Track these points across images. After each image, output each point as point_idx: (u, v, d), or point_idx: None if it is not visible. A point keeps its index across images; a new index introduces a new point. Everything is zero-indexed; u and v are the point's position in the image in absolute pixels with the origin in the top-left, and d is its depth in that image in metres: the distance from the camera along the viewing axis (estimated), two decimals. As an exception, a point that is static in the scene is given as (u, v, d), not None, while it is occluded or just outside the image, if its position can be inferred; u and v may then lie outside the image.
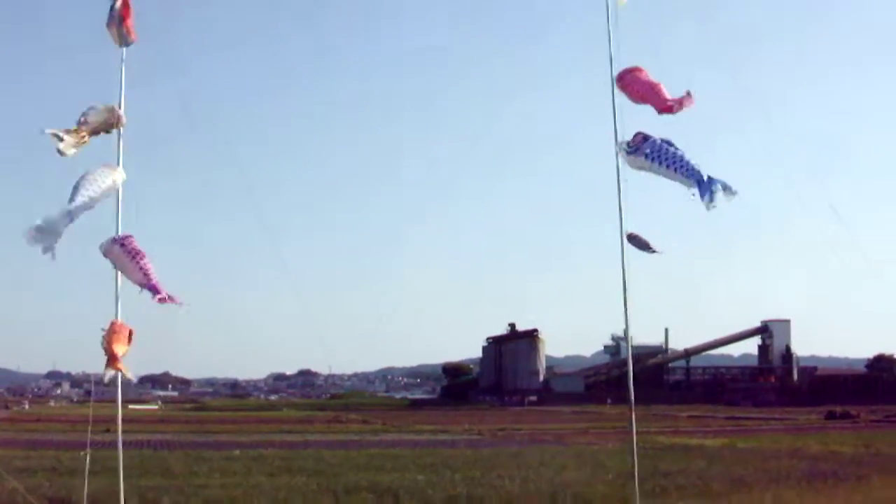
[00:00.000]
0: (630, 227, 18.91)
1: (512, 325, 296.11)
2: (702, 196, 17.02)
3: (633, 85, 18.41)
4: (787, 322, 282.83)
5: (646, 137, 18.21)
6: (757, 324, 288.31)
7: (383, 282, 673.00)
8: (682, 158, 17.64)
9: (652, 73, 18.74)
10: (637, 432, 70.31)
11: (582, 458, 57.91)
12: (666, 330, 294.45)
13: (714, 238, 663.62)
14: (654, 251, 18.75)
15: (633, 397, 18.81)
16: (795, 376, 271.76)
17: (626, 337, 18.64)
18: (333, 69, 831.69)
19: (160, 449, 71.16)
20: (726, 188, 17.04)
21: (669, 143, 17.98)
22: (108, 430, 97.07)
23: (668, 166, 17.62)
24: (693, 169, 17.38)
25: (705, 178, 17.18)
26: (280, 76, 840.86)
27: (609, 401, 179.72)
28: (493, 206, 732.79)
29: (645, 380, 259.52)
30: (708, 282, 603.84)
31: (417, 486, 41.10)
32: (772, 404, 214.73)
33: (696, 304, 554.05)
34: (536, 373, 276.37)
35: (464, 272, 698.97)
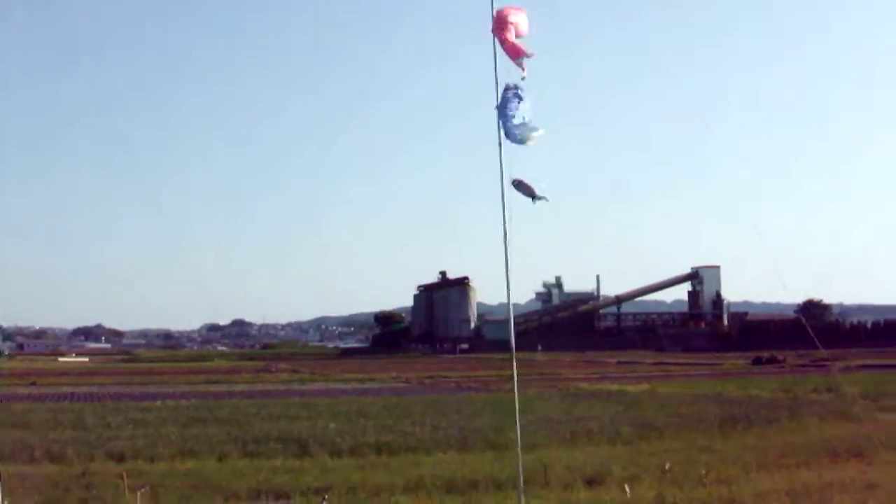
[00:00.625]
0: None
1: (443, 274, 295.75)
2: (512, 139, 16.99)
3: (497, 22, 18.00)
4: (717, 268, 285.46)
5: (506, 88, 17.93)
6: (688, 270, 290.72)
7: (318, 231, 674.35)
8: (504, 108, 17.38)
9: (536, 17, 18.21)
10: (564, 378, 70.68)
11: (501, 404, 57.82)
12: (597, 276, 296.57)
13: (647, 184, 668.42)
14: (539, 199, 18.31)
15: (514, 347, 18.68)
16: (726, 322, 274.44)
17: (507, 288, 18.28)
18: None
19: (81, 401, 70.84)
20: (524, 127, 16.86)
21: (514, 92, 17.63)
22: (33, 384, 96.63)
23: (500, 117, 17.42)
24: (507, 118, 17.14)
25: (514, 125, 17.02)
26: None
27: (540, 347, 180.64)
28: (423, 154, 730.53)
29: (576, 326, 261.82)
30: (641, 228, 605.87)
31: (328, 434, 41.04)
32: (702, 349, 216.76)
33: (628, 250, 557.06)
34: (468, 320, 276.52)
35: (397, 220, 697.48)
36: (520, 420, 41.75)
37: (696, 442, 37.88)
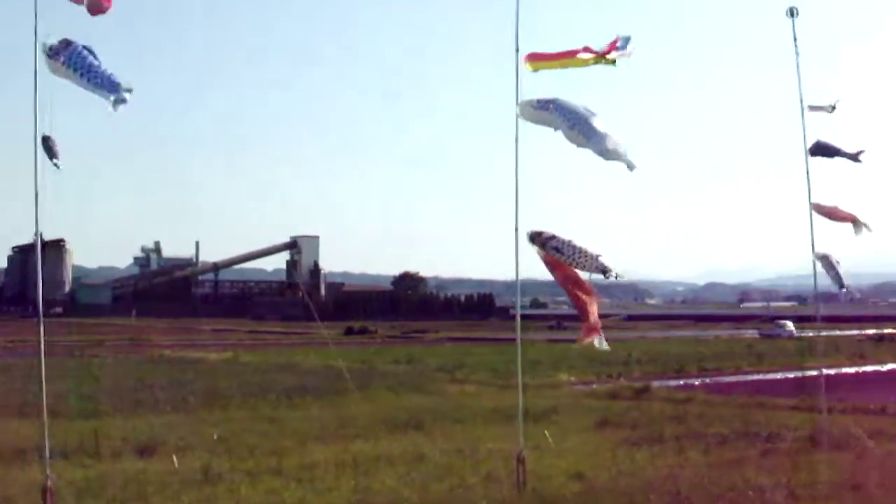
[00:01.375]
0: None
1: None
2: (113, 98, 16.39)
3: None
4: (317, 238, 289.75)
5: (68, 44, 17.27)
6: (287, 239, 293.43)
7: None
8: (97, 68, 16.86)
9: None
10: (151, 345, 69.75)
11: (76, 371, 56.79)
12: (197, 243, 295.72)
13: (249, 148, 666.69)
14: (55, 163, 17.32)
15: (41, 312, 18.34)
16: (323, 292, 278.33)
17: (39, 251, 17.83)
18: None
19: None
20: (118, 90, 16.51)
21: (90, 51, 17.13)
22: None
23: (82, 75, 16.82)
24: (108, 78, 16.64)
25: (117, 82, 16.50)
26: None
27: (134, 313, 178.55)
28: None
29: (173, 292, 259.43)
30: (242, 195, 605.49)
31: None
32: (298, 319, 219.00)
33: (229, 217, 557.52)
34: (62, 283, 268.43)
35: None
36: (88, 387, 41.19)
37: (260, 411, 38.29)
